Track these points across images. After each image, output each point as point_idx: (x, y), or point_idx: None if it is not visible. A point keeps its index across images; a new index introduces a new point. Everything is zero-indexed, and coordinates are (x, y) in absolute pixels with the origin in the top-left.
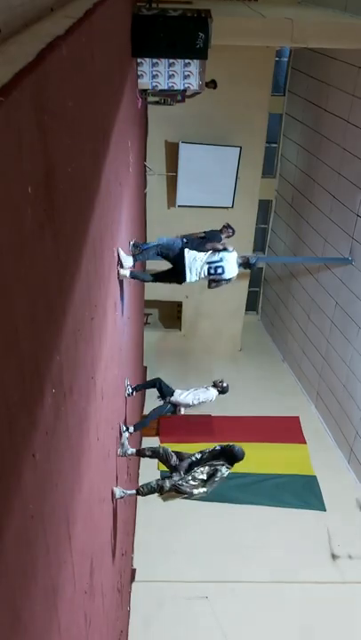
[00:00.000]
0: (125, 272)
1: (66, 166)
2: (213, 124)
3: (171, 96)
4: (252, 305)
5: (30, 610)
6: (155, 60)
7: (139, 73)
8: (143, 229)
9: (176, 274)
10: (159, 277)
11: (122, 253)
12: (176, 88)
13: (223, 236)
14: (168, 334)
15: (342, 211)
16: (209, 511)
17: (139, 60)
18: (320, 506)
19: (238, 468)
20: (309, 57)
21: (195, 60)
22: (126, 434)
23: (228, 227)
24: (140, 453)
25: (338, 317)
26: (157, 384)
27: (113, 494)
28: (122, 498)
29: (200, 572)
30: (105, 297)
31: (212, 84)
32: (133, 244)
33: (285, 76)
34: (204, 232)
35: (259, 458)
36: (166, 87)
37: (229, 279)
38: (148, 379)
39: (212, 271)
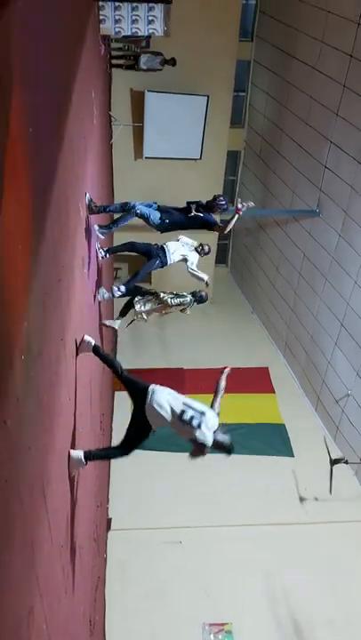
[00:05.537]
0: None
1: (27, 127)
2: (180, 71)
3: (135, 42)
4: (221, 258)
5: (8, 567)
6: (117, 4)
7: (100, 17)
8: (110, 182)
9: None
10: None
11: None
12: (140, 34)
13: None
14: None
15: (309, 162)
16: (180, 461)
17: (100, 4)
18: (288, 452)
19: None
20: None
21: (159, 4)
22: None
23: (221, 197)
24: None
25: (305, 269)
26: (133, 246)
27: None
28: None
29: (173, 518)
30: (72, 256)
31: (172, 61)
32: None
33: (253, 21)
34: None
35: (229, 408)
36: (130, 33)
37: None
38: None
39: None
